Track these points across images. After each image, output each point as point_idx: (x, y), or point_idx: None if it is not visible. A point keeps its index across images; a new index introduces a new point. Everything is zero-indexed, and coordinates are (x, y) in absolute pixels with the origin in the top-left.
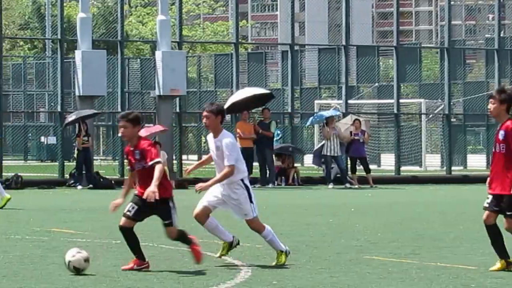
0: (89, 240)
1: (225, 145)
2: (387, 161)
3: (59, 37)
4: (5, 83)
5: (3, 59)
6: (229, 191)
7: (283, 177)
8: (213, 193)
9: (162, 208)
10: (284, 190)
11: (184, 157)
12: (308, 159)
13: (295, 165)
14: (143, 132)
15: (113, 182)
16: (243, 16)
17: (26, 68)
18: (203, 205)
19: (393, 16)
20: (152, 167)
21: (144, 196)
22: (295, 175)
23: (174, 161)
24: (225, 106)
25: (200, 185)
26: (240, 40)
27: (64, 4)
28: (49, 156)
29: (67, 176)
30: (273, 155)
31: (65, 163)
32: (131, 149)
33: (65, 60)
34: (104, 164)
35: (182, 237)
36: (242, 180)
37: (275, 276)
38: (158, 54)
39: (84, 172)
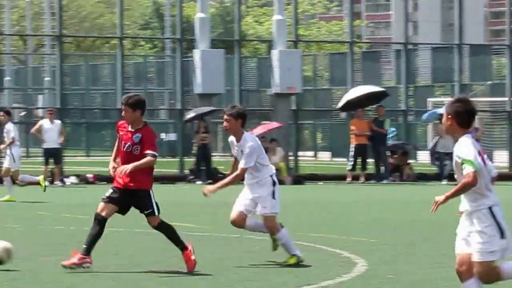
0: (208, 234)
1: (247, 148)
2: (501, 158)
3: (178, 36)
4: (127, 81)
5: (124, 58)
6: (256, 186)
7: (397, 173)
8: (245, 197)
9: (141, 199)
10: (399, 185)
11: (300, 153)
12: (422, 155)
13: (409, 161)
14: (259, 129)
15: None
16: (357, 16)
17: (147, 67)
18: (238, 210)
19: (506, 15)
20: (143, 156)
21: (116, 172)
22: (409, 171)
23: (291, 157)
24: (340, 105)
25: (207, 188)
26: (354, 39)
27: (183, 5)
28: (169, 152)
29: (186, 171)
30: (388, 152)
31: (185, 159)
32: (131, 130)
33: (184, 59)
34: (222, 160)
35: (163, 227)
36: (271, 176)
37: (391, 270)
38: (275, 53)
39: (203, 167)
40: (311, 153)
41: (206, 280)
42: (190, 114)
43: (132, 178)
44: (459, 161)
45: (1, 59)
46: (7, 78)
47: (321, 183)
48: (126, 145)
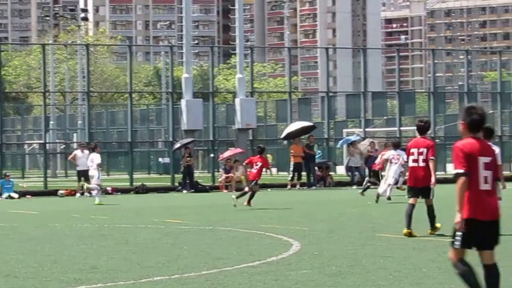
0: (191, 227)
1: None
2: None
3: (170, 90)
4: (135, 122)
5: (133, 106)
6: None
7: (322, 182)
8: None
9: None
10: (323, 190)
11: None
12: (339, 169)
13: (330, 173)
14: (227, 153)
15: (207, 187)
16: (294, 73)
17: (149, 112)
18: None
19: (396, 71)
20: None
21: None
22: (330, 180)
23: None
24: (283, 135)
25: None
26: (292, 89)
27: (174, 68)
28: (164, 171)
29: (176, 184)
30: (316, 167)
31: (175, 175)
32: None
33: (174, 106)
34: (201, 175)
35: None
36: None
37: (317, 249)
38: (237, 101)
39: (187, 181)
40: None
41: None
42: (176, 145)
43: None
44: None
45: (47, 109)
46: (51, 122)
47: (270, 189)
48: None
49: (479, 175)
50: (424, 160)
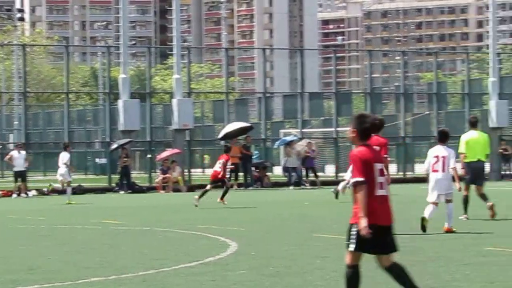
0: (128, 228)
1: None
2: (330, 170)
3: (107, 91)
4: (72, 123)
5: (70, 107)
6: None
7: (259, 182)
8: None
9: None
10: (260, 191)
11: (192, 170)
12: (276, 169)
13: (267, 174)
14: (165, 154)
15: (144, 188)
16: (231, 74)
17: (86, 113)
18: None
19: (332, 72)
20: None
21: None
22: (267, 180)
23: (186, 173)
24: (220, 136)
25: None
26: (230, 90)
27: (111, 69)
28: (101, 171)
29: (113, 185)
30: (253, 168)
31: (112, 176)
32: None
33: (111, 107)
34: (139, 176)
35: None
36: None
37: (254, 249)
38: (174, 101)
39: (125, 182)
40: (200, 170)
41: (133, 256)
42: (113, 145)
43: None
44: None
45: None
46: None
47: None
48: None
49: (375, 181)
50: None
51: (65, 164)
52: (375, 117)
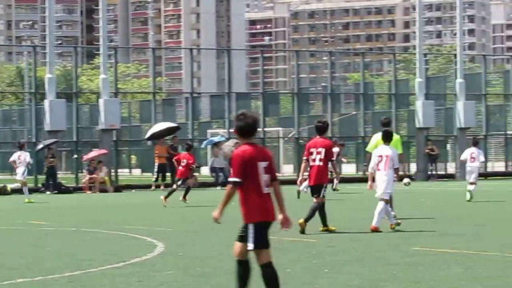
0: (54, 228)
1: None
2: (288, 170)
3: (33, 91)
4: None
5: None
6: None
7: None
8: None
9: None
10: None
11: (119, 170)
12: (204, 170)
13: (194, 174)
14: (91, 154)
15: (71, 188)
16: (159, 74)
17: (12, 112)
18: None
19: (260, 72)
20: None
21: None
22: (195, 181)
23: (113, 173)
24: (147, 136)
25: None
26: (157, 90)
27: (37, 69)
28: (27, 172)
29: (39, 185)
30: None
31: (38, 176)
32: None
33: (37, 106)
34: (65, 176)
35: None
36: None
37: (181, 250)
38: (101, 101)
39: (51, 182)
40: (127, 170)
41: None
42: (39, 145)
43: None
44: None
45: None
46: None
47: (134, 190)
48: None
49: (260, 179)
50: (321, 160)
51: (28, 162)
52: (254, 117)
